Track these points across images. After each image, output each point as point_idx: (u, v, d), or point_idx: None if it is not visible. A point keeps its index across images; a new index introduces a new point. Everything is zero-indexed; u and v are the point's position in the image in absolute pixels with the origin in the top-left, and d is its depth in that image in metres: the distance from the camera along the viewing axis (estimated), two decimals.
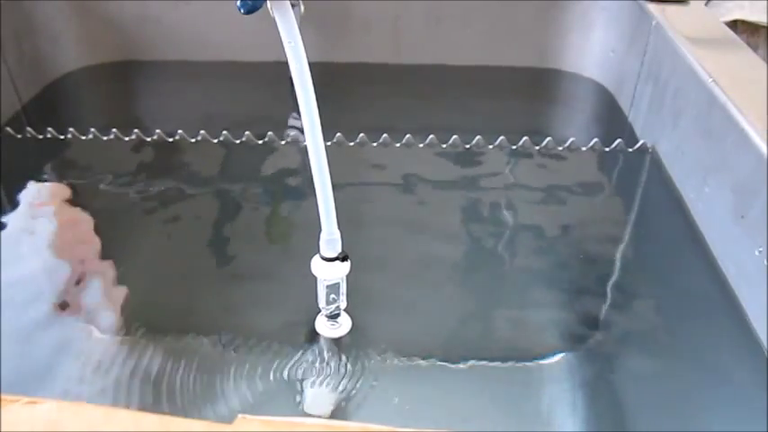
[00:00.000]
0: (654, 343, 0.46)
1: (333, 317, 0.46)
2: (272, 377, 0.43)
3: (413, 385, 0.43)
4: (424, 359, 0.44)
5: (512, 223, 0.58)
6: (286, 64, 0.35)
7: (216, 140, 0.67)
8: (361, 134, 0.67)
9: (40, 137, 0.67)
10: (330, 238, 0.41)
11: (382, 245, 0.55)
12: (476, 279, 0.52)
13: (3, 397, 0.26)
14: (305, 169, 0.41)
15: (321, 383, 0.43)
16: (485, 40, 0.83)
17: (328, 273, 0.42)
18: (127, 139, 0.67)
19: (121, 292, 0.49)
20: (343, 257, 0.42)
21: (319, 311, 0.46)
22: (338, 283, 0.43)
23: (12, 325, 0.46)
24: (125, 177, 0.63)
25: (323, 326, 0.46)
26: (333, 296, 0.44)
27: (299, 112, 0.36)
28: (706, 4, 0.80)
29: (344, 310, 0.46)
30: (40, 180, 0.62)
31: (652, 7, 0.68)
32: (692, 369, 0.44)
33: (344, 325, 0.46)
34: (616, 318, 0.48)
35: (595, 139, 0.67)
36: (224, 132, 0.67)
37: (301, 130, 0.38)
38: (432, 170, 0.64)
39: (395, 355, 0.44)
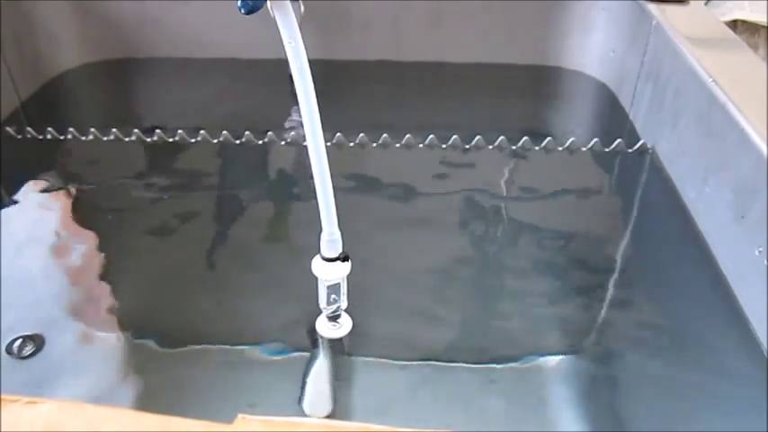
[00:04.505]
0: (654, 343, 0.46)
1: (334, 317, 0.46)
2: (272, 377, 0.43)
3: (413, 385, 0.43)
4: (424, 360, 0.44)
5: (512, 223, 0.58)
6: (287, 62, 0.35)
7: (216, 140, 0.67)
8: (362, 134, 0.67)
9: (40, 137, 0.67)
10: (331, 238, 0.40)
11: (383, 245, 0.55)
12: (475, 279, 0.52)
13: (3, 397, 0.26)
14: (305, 169, 0.41)
15: (321, 384, 0.43)
16: (485, 38, 0.83)
17: (329, 273, 0.42)
18: (127, 139, 0.67)
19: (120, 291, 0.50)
20: (343, 258, 0.42)
21: (320, 312, 0.46)
22: (339, 284, 0.43)
23: None
24: (124, 177, 0.63)
25: (323, 326, 0.46)
26: (334, 296, 0.44)
27: (299, 110, 0.36)
28: (706, 4, 0.80)
29: (345, 310, 0.46)
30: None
31: (652, 7, 0.68)
32: (692, 369, 0.44)
33: (345, 325, 0.46)
34: (616, 318, 0.48)
35: (595, 140, 0.67)
36: (224, 132, 0.67)
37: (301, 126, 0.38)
38: (432, 170, 0.64)
39: (395, 355, 0.44)
